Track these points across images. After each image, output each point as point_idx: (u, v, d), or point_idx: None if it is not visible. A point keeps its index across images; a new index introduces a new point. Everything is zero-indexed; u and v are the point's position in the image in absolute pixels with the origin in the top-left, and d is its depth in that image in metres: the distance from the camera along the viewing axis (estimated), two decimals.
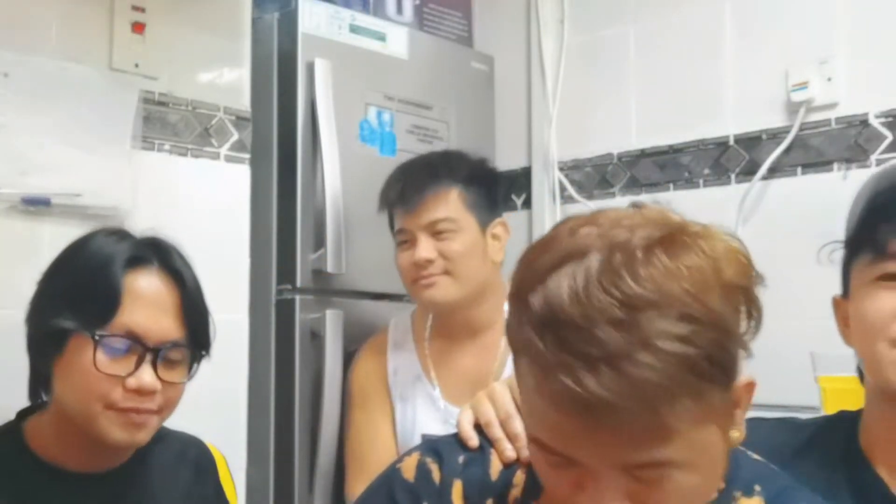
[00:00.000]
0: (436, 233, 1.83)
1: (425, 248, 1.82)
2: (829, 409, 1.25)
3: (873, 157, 2.00)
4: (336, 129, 2.09)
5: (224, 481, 1.41)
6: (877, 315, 1.00)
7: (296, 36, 2.10)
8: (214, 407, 1.79)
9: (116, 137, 1.77)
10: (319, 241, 2.06)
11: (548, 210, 2.52)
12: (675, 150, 2.31)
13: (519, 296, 0.76)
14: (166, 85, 1.90)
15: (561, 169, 2.51)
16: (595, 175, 2.46)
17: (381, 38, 2.28)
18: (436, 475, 0.92)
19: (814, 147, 2.09)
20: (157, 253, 1.24)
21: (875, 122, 2.01)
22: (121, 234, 1.27)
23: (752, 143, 2.18)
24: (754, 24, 2.21)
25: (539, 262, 0.76)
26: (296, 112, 2.08)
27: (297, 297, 2.05)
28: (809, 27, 2.11)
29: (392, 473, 0.95)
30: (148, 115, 1.85)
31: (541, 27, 2.56)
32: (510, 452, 0.93)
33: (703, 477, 0.76)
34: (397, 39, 2.32)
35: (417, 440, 1.83)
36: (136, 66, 1.84)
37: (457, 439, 0.97)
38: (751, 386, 0.79)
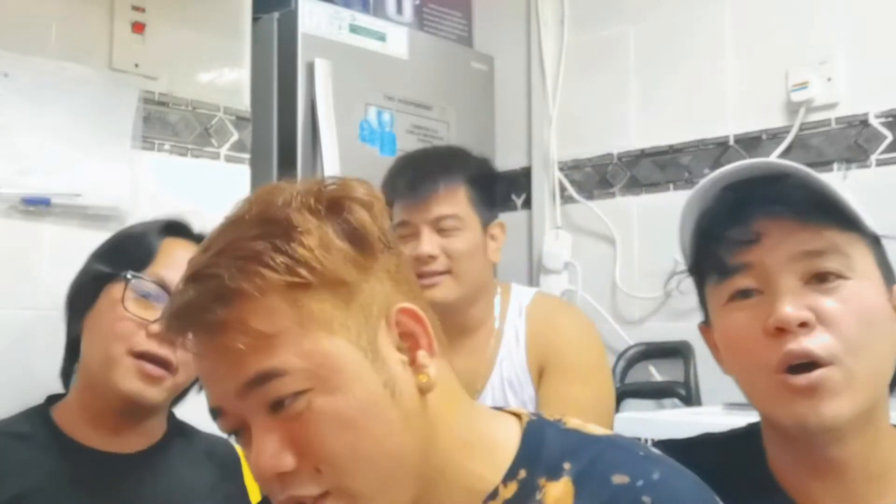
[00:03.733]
0: (440, 229, 1.79)
1: (429, 243, 1.78)
2: None
3: (873, 157, 2.00)
4: (336, 129, 2.08)
5: (249, 484, 1.39)
6: (741, 340, 0.92)
7: (296, 36, 2.10)
8: None
9: (116, 137, 1.77)
10: None
11: (548, 210, 2.52)
12: (675, 150, 2.31)
13: None
14: (166, 85, 1.89)
15: (561, 169, 2.51)
16: (595, 175, 2.46)
17: (381, 38, 2.28)
18: None
19: (814, 147, 2.09)
20: (192, 228, 1.35)
21: (875, 122, 2.01)
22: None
23: (752, 143, 2.18)
24: (754, 24, 2.21)
25: None
26: (296, 112, 2.08)
27: None
28: (809, 27, 2.11)
29: None
30: (148, 115, 1.84)
31: (541, 27, 2.56)
32: None
33: (347, 397, 0.72)
34: (397, 39, 2.31)
35: None
36: (136, 66, 1.84)
37: None
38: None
